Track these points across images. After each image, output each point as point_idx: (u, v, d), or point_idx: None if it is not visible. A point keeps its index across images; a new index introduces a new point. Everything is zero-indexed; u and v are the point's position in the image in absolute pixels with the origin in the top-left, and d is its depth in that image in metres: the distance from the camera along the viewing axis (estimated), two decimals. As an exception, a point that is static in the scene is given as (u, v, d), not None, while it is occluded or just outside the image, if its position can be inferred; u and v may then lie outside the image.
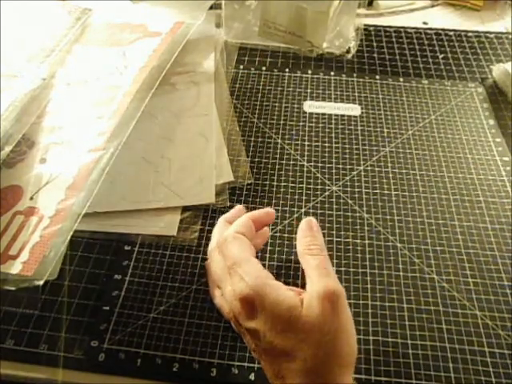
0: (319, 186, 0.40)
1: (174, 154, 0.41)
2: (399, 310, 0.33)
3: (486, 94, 0.48)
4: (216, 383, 0.30)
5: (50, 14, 0.49)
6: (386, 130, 0.44)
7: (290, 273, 0.34)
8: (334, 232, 0.37)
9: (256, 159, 0.42)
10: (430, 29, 0.57)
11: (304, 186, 0.40)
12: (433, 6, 0.61)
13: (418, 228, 0.37)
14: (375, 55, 0.53)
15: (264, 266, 0.34)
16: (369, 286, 0.34)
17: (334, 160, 0.42)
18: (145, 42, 0.47)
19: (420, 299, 0.33)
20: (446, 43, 0.54)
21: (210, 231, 0.36)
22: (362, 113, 0.46)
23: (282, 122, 0.45)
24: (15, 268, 0.31)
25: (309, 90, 0.48)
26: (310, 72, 0.50)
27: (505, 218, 0.37)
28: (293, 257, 0.35)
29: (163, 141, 0.42)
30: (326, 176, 0.40)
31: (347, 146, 0.43)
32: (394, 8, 0.60)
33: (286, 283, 0.33)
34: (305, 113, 0.46)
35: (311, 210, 0.38)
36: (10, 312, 0.32)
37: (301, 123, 0.45)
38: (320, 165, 0.41)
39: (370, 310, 0.32)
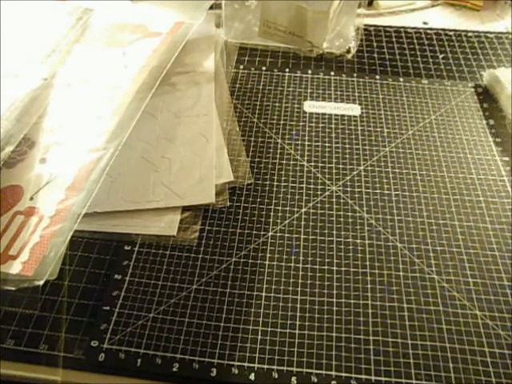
0: (319, 186, 0.40)
1: (174, 154, 0.41)
2: (399, 310, 0.32)
3: (486, 94, 0.48)
4: (216, 383, 0.30)
5: (51, 14, 0.49)
6: (386, 130, 0.44)
7: (291, 273, 0.34)
8: (334, 232, 0.37)
9: (256, 159, 0.42)
10: (430, 29, 0.57)
11: (304, 185, 0.40)
12: (433, 6, 0.61)
13: (418, 228, 0.37)
14: (375, 55, 0.53)
15: (264, 266, 0.35)
16: (369, 286, 0.34)
17: (334, 160, 0.42)
18: (145, 42, 0.47)
19: (420, 299, 0.33)
20: (445, 43, 0.54)
21: (210, 231, 0.37)
22: (362, 113, 0.46)
23: (282, 122, 0.45)
24: (15, 268, 0.31)
25: (309, 90, 0.48)
26: (309, 72, 0.50)
27: (505, 218, 0.37)
28: (293, 257, 0.35)
29: (163, 141, 0.42)
30: (326, 176, 0.40)
31: (347, 145, 0.43)
32: (394, 8, 0.60)
33: (287, 284, 0.34)
34: (305, 113, 0.46)
35: (311, 210, 0.38)
36: (9, 312, 0.32)
37: (301, 123, 0.45)
38: (320, 165, 0.41)
39: (370, 310, 0.32)
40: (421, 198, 0.39)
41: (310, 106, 0.46)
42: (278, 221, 0.37)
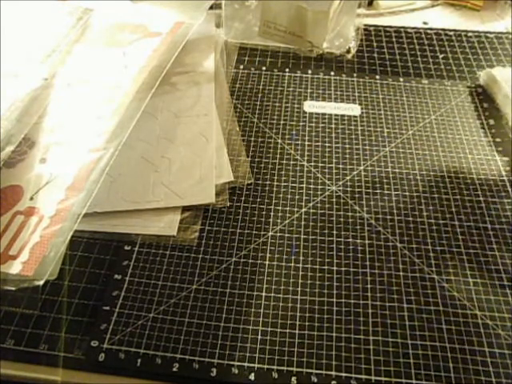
0: (319, 186, 0.40)
1: (174, 154, 0.41)
2: (399, 310, 0.32)
3: (486, 93, 0.48)
4: (216, 383, 0.30)
5: (51, 14, 0.50)
6: (386, 130, 0.44)
7: (291, 273, 0.34)
8: (334, 232, 0.37)
9: (256, 159, 0.42)
10: (430, 29, 0.57)
11: (304, 185, 0.40)
12: (433, 6, 0.61)
13: (418, 228, 0.37)
14: (375, 55, 0.53)
15: (264, 266, 0.35)
16: (369, 286, 0.34)
17: (334, 160, 0.42)
18: (145, 42, 0.47)
19: (420, 299, 0.33)
20: (445, 43, 0.54)
21: (210, 231, 0.37)
22: (362, 113, 0.46)
23: (282, 122, 0.45)
24: (15, 268, 0.31)
25: (309, 90, 0.48)
26: (310, 72, 0.50)
27: (505, 218, 0.37)
28: (293, 257, 0.35)
29: (163, 141, 0.42)
30: (326, 176, 0.40)
31: (347, 145, 0.43)
32: (394, 8, 0.60)
33: (287, 284, 0.34)
34: (305, 113, 0.46)
35: (311, 210, 0.38)
36: (10, 312, 0.32)
37: (301, 123, 0.45)
38: (320, 165, 0.41)
39: (370, 310, 0.32)
40: (421, 198, 0.39)
41: (310, 106, 0.46)
42: (278, 221, 0.37)
